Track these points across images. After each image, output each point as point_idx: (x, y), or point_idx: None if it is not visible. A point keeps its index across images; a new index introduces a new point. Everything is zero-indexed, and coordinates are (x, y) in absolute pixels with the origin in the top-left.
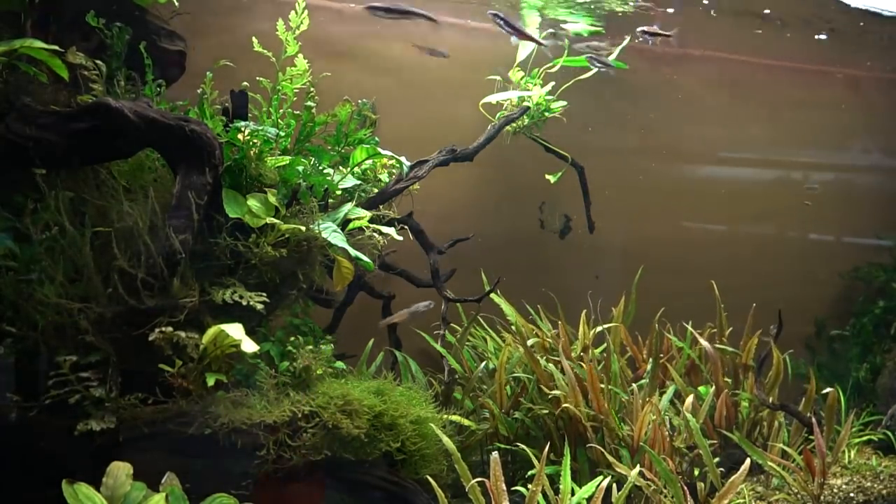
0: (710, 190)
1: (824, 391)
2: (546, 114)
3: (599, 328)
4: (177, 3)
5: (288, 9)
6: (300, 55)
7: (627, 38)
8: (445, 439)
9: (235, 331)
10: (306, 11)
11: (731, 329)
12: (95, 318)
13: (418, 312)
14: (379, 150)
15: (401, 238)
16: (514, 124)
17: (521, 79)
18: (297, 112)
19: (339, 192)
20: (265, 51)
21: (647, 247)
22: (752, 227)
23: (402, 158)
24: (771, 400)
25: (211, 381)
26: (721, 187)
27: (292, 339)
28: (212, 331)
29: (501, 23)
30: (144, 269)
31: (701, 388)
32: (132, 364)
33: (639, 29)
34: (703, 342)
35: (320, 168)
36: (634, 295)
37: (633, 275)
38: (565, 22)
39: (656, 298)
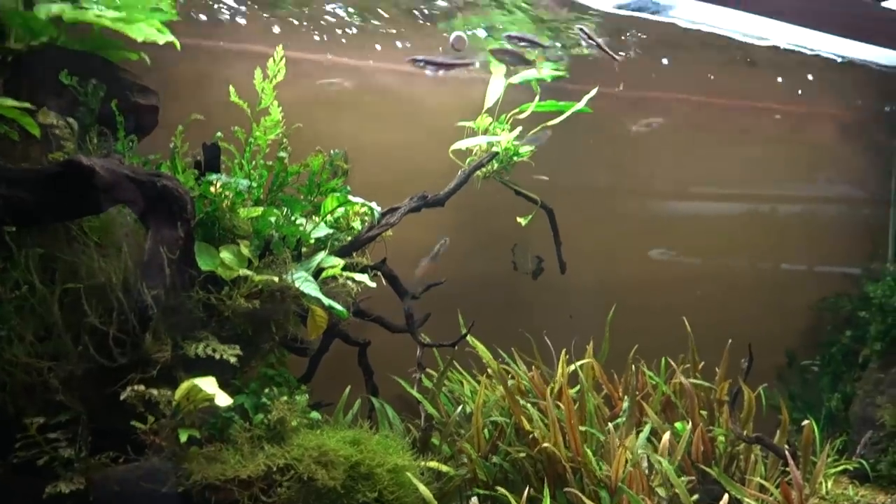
0: (679, 226)
1: (802, 423)
2: (514, 158)
3: (574, 366)
4: (148, 61)
5: (263, 60)
6: (274, 104)
7: (595, 88)
8: (422, 488)
9: (209, 385)
10: (283, 61)
11: (702, 364)
12: (65, 376)
13: (438, 255)
14: (350, 197)
15: (374, 285)
16: (483, 169)
17: (490, 125)
18: (270, 163)
19: (311, 242)
20: (240, 101)
21: (618, 285)
22: (722, 261)
23: (374, 205)
24: (745, 433)
25: (184, 437)
26: (690, 223)
27: (267, 390)
28: (185, 385)
29: (422, 64)
30: (116, 325)
31: (677, 425)
32: (103, 422)
33: (578, 27)
34: (681, 377)
35: (293, 218)
36: (608, 333)
37: (605, 313)
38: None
39: (630, 335)
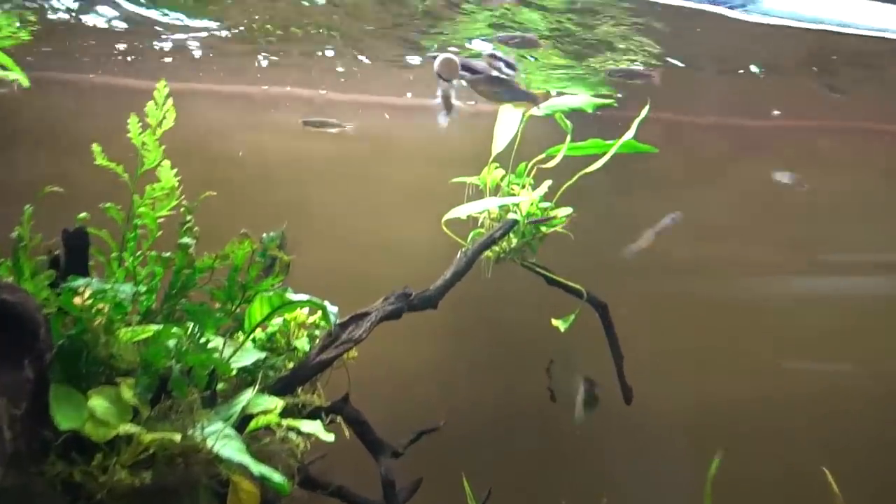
0: (815, 318)
1: None
2: (543, 230)
3: None
4: None
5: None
6: (166, 164)
7: (645, 110)
8: None
9: None
10: (170, 101)
11: None
12: None
13: (667, 228)
14: (292, 297)
15: (332, 438)
16: (495, 248)
17: (503, 179)
18: (167, 254)
19: (233, 374)
20: (109, 163)
21: (719, 415)
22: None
23: (330, 308)
24: None
25: None
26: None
27: None
28: None
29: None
30: None
31: None
32: None
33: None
34: None
35: (203, 339)
36: (709, 489)
37: (702, 460)
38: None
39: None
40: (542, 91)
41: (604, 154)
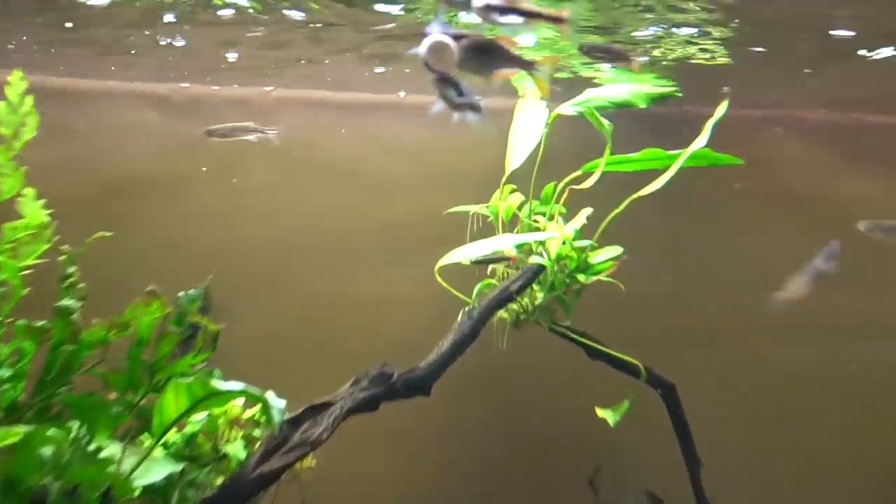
0: None
1: None
2: (582, 277)
3: None
4: None
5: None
6: (29, 193)
7: (724, 106)
8: None
9: None
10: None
11: None
12: None
13: (826, 266)
14: (219, 385)
15: None
16: (513, 306)
17: (521, 207)
18: (40, 322)
19: (136, 495)
20: None
21: None
22: None
23: (274, 401)
24: None
25: None
26: None
27: None
28: None
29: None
30: None
31: None
32: None
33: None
34: None
35: (92, 446)
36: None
37: None
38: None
39: None
40: (550, 58)
41: (664, 169)
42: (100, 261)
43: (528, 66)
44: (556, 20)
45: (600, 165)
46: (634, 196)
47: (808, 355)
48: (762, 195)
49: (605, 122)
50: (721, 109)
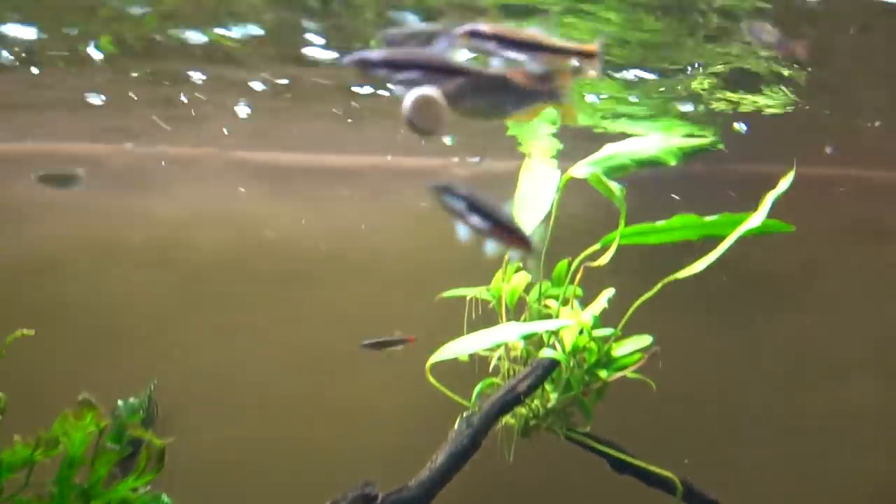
0: None
1: None
2: (604, 374)
3: None
4: None
5: None
6: None
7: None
8: None
9: None
10: None
11: None
12: None
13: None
14: None
15: None
16: (521, 409)
17: (528, 290)
18: None
19: None
20: None
21: None
22: None
23: None
24: None
25: None
26: None
27: None
28: None
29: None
30: None
31: None
32: None
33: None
34: None
35: None
36: None
37: None
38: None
39: None
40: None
41: (698, 236)
42: (19, 363)
43: (549, 96)
44: (582, 55)
45: (615, 240)
46: (669, 278)
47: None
48: None
49: (615, 187)
50: (786, 180)
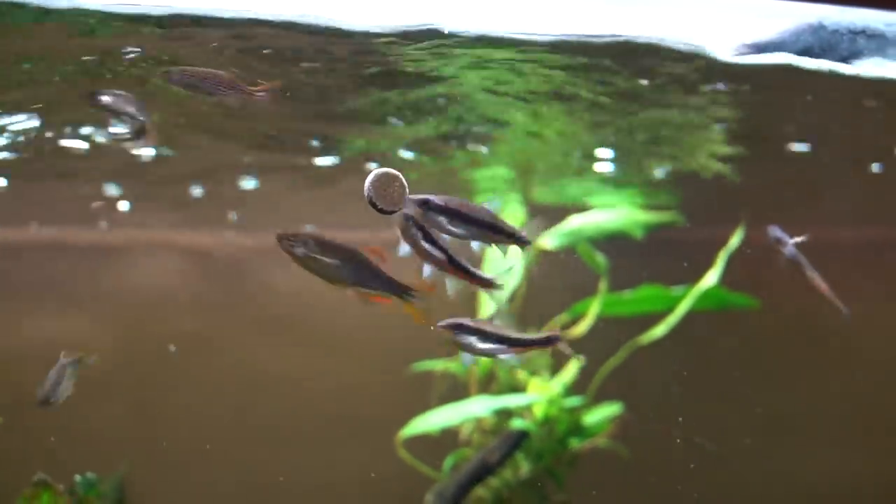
0: None
1: None
2: (575, 442)
3: None
4: None
5: None
6: None
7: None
8: None
9: None
10: None
11: None
12: None
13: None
14: None
15: None
16: (493, 481)
17: (502, 366)
18: None
19: None
20: None
21: None
22: None
23: None
24: None
25: None
26: None
27: None
28: None
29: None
30: None
31: None
32: None
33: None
34: None
35: None
36: None
37: None
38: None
39: None
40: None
41: (667, 311)
42: None
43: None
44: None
45: (592, 310)
46: (631, 343)
47: None
48: None
49: (596, 255)
50: (735, 238)
